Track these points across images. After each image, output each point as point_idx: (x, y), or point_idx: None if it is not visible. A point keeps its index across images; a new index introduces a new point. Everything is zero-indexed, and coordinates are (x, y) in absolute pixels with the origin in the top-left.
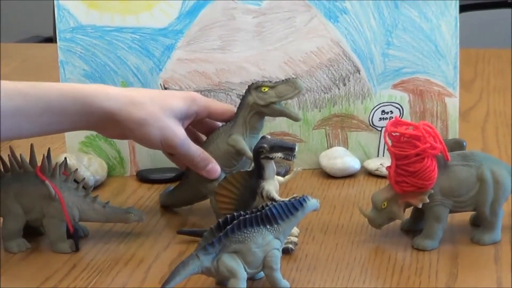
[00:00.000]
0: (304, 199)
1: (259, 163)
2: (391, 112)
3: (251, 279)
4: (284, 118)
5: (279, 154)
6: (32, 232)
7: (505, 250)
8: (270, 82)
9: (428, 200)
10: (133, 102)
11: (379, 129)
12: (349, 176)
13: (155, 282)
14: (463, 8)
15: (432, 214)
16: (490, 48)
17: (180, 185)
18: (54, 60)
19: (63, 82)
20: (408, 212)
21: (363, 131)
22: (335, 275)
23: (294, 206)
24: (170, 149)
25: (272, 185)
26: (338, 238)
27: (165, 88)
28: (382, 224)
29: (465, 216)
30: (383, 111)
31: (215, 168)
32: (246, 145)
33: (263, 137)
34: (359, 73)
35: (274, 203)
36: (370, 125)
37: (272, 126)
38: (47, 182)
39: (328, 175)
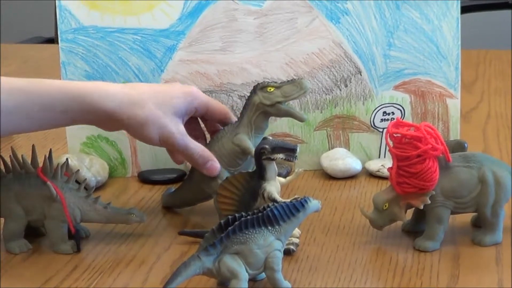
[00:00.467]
0: (305, 200)
1: (260, 164)
2: (393, 113)
3: (252, 280)
4: (286, 119)
5: (281, 155)
6: (34, 233)
7: (506, 251)
8: (276, 82)
9: (429, 201)
10: (133, 102)
11: (381, 130)
12: (351, 177)
13: (157, 283)
14: (464, 9)
15: (434, 215)
16: (491, 49)
17: (182, 186)
18: (56, 61)
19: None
20: (409, 213)
21: (365, 132)
22: (336, 276)
23: (295, 207)
24: (169, 147)
25: (274, 186)
26: (340, 239)
27: None
28: (384, 225)
29: (466, 217)
30: (384, 112)
31: (214, 165)
32: (251, 144)
33: (264, 138)
34: (361, 74)
35: (275, 204)
36: (372, 126)
37: (274, 127)
38: (48, 183)
39: (329, 176)
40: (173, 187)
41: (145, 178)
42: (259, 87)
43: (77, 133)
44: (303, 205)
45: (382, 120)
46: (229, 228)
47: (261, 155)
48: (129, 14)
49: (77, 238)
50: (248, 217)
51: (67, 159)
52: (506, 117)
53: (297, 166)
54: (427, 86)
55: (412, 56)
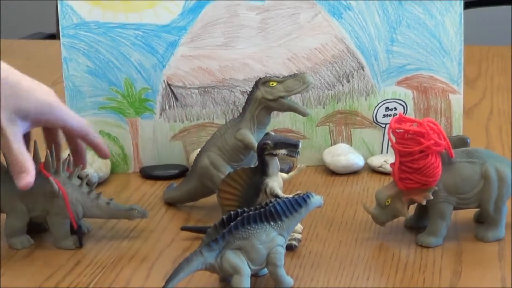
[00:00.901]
0: (307, 196)
1: (262, 160)
2: (395, 108)
3: (254, 275)
4: (288, 115)
5: (283, 151)
6: (36, 228)
7: (509, 247)
8: (278, 77)
9: (432, 197)
10: None
11: (383, 126)
12: (353, 173)
13: (159, 279)
14: (467, 5)
15: (436, 211)
16: (494, 45)
17: (184, 182)
18: (58, 57)
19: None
20: (412, 209)
21: (367, 128)
22: (338, 272)
23: (297, 203)
24: None
25: (276, 182)
26: (342, 235)
27: (169, 85)
28: (386, 221)
29: (469, 213)
30: (387, 107)
31: (25, 179)
32: (254, 139)
33: (267, 134)
34: (363, 70)
35: (277, 199)
36: (374, 122)
37: (276, 123)
38: (50, 178)
39: (331, 172)
40: (175, 183)
41: (147, 174)
42: (261, 82)
43: None
44: (305, 201)
45: (384, 115)
46: (232, 223)
47: (264, 151)
48: (131, 10)
49: (79, 233)
50: (251, 212)
51: (69, 154)
52: (509, 114)
53: (300, 162)
54: (429, 81)
55: (414, 52)
